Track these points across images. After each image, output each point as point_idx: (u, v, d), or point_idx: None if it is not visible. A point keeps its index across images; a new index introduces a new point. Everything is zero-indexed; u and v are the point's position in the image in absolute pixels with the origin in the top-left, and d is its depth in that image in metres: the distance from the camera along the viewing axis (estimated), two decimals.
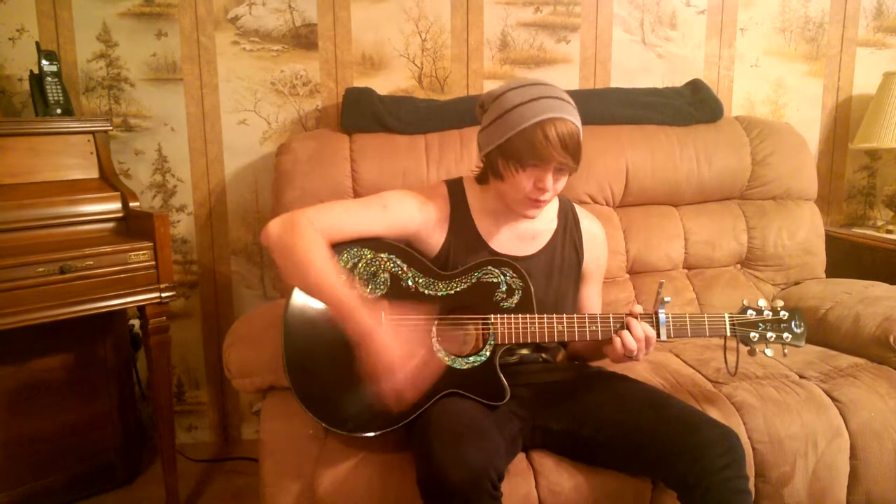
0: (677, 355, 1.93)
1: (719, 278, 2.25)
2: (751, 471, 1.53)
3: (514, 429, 1.44)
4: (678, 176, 2.27)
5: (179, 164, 2.39)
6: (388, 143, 2.18)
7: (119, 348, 2.18)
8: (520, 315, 1.44)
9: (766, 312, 1.48)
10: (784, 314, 1.48)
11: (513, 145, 1.38)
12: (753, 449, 1.56)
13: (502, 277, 1.47)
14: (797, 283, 2.28)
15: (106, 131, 2.09)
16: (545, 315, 1.44)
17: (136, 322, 2.24)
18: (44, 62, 2.02)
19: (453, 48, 2.44)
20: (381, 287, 1.45)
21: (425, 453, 1.23)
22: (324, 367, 1.40)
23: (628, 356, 1.40)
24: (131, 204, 1.99)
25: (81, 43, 2.29)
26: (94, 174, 2.03)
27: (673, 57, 2.55)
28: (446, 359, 1.43)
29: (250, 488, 2.18)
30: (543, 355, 1.59)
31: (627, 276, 2.23)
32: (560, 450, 1.47)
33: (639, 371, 1.74)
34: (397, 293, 1.45)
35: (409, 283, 1.46)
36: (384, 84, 2.41)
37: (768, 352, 1.46)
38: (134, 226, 1.97)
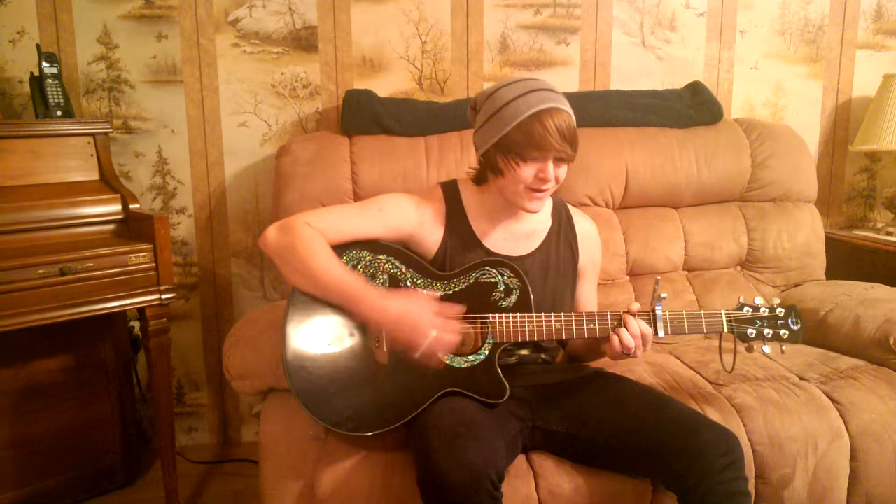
0: (677, 357, 1.93)
1: (719, 280, 2.24)
2: (751, 473, 1.53)
3: (514, 429, 1.44)
4: (678, 178, 2.27)
5: (179, 166, 2.39)
6: (388, 145, 2.18)
7: (119, 350, 2.19)
8: (518, 314, 1.45)
9: (762, 309, 1.49)
10: (780, 311, 1.49)
11: (511, 139, 1.38)
12: (753, 451, 1.56)
13: (500, 277, 1.47)
14: (797, 285, 2.28)
15: (106, 133, 2.09)
16: (542, 313, 1.45)
17: (136, 324, 2.25)
18: (44, 64, 2.02)
19: (453, 50, 2.44)
20: (380, 288, 1.45)
21: (425, 453, 1.24)
22: (324, 368, 1.40)
23: (626, 354, 1.40)
24: (131, 206, 1.99)
25: (82, 45, 2.29)
26: (95, 176, 2.03)
27: (672, 59, 2.56)
28: (445, 358, 1.43)
29: (250, 490, 2.17)
30: (543, 356, 1.59)
31: (627, 278, 2.23)
32: (560, 451, 1.47)
33: (639, 372, 1.74)
34: (396, 291, 1.45)
35: (408, 284, 1.47)
36: (384, 86, 2.41)
37: (766, 349, 1.47)
38: (134, 228, 1.98)
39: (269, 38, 2.36)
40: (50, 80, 2.03)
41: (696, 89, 2.44)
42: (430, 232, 1.52)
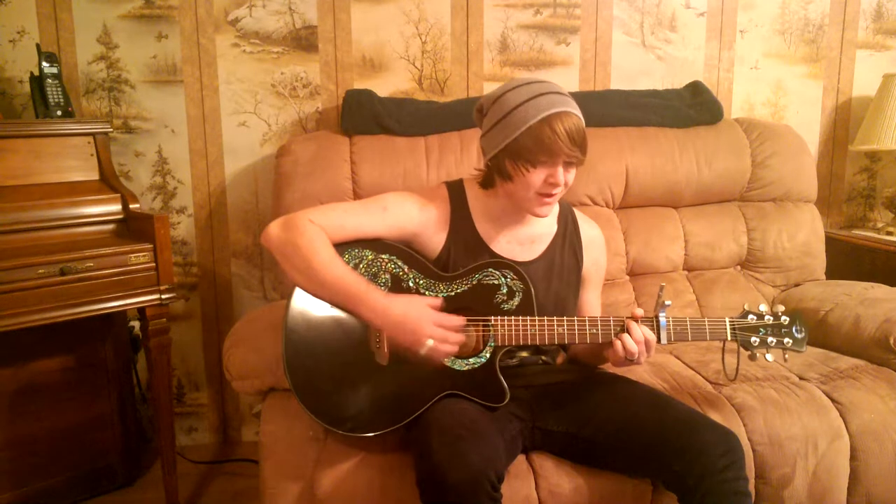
0: (678, 357, 1.93)
1: (719, 280, 2.25)
2: (751, 472, 1.53)
3: (514, 430, 1.44)
4: (678, 178, 2.27)
5: (180, 165, 2.39)
6: (388, 145, 2.18)
7: (119, 350, 2.18)
8: (520, 317, 1.44)
9: (767, 317, 1.47)
10: (785, 319, 1.47)
11: (520, 144, 1.37)
12: (754, 450, 1.56)
13: (503, 279, 1.47)
14: (797, 285, 2.28)
15: (106, 133, 2.09)
16: (545, 317, 1.44)
17: (136, 324, 2.25)
18: (44, 64, 2.02)
19: (453, 50, 2.44)
20: (383, 288, 1.45)
21: (425, 454, 1.23)
22: (324, 368, 1.40)
23: (629, 359, 1.40)
24: (131, 206, 1.99)
25: (82, 45, 2.29)
26: (95, 176, 2.03)
27: (673, 59, 2.55)
28: (446, 360, 1.43)
29: (250, 490, 2.17)
30: (543, 357, 1.58)
31: (627, 277, 2.23)
32: (560, 451, 1.47)
33: (639, 373, 1.74)
34: (398, 294, 1.45)
35: (410, 284, 1.46)
36: (384, 86, 2.41)
37: (769, 357, 1.45)
38: (134, 227, 1.97)
39: (269, 37, 2.36)
40: (50, 80, 2.03)
41: (696, 89, 2.44)
42: (434, 232, 1.51)
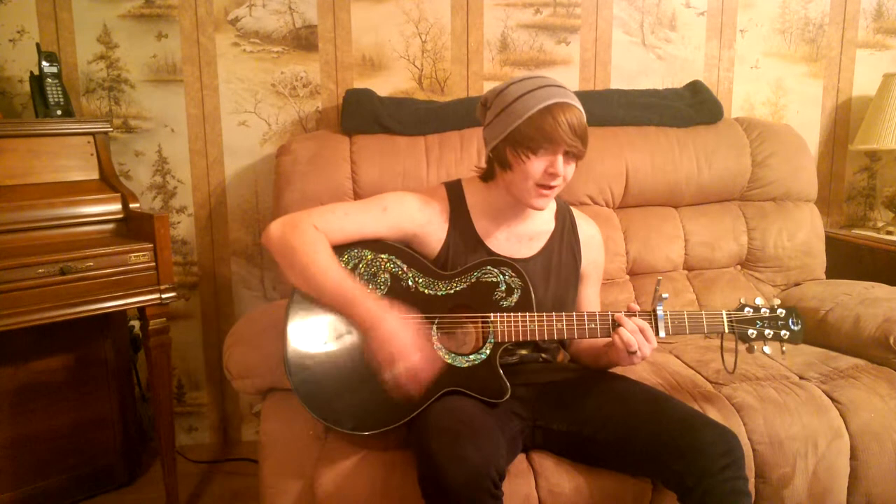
0: (678, 356, 1.93)
1: (719, 279, 2.24)
2: (751, 472, 1.53)
3: (515, 428, 1.44)
4: (678, 177, 2.27)
5: (179, 165, 2.39)
6: (388, 144, 2.18)
7: (119, 349, 2.19)
8: (519, 313, 1.44)
9: (763, 310, 1.49)
10: (781, 312, 1.49)
11: (522, 133, 1.38)
12: (753, 450, 1.56)
13: (501, 277, 1.47)
14: (797, 285, 2.28)
15: (106, 133, 2.09)
16: (544, 313, 1.45)
17: (136, 323, 2.25)
18: (44, 63, 2.02)
19: (453, 50, 2.44)
20: (382, 287, 1.46)
21: (425, 452, 1.23)
22: (325, 367, 1.40)
23: (631, 353, 1.40)
24: (131, 205, 1.99)
25: (82, 44, 2.29)
26: (95, 175, 2.03)
27: (673, 58, 2.55)
28: (446, 357, 1.43)
29: (250, 489, 2.17)
30: (543, 355, 1.59)
31: (627, 277, 2.23)
32: (560, 450, 1.47)
33: (639, 372, 1.74)
34: (398, 293, 1.46)
35: (410, 283, 1.47)
36: (384, 85, 2.41)
37: (767, 349, 1.47)
38: (134, 227, 1.97)
39: (269, 37, 2.36)
40: (50, 80, 2.03)
41: (696, 88, 2.44)
42: (433, 232, 1.52)
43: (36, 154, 1.94)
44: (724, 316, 1.48)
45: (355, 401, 1.39)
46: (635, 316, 1.43)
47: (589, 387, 1.51)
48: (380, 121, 2.21)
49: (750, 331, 1.48)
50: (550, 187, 1.42)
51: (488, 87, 2.45)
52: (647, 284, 2.20)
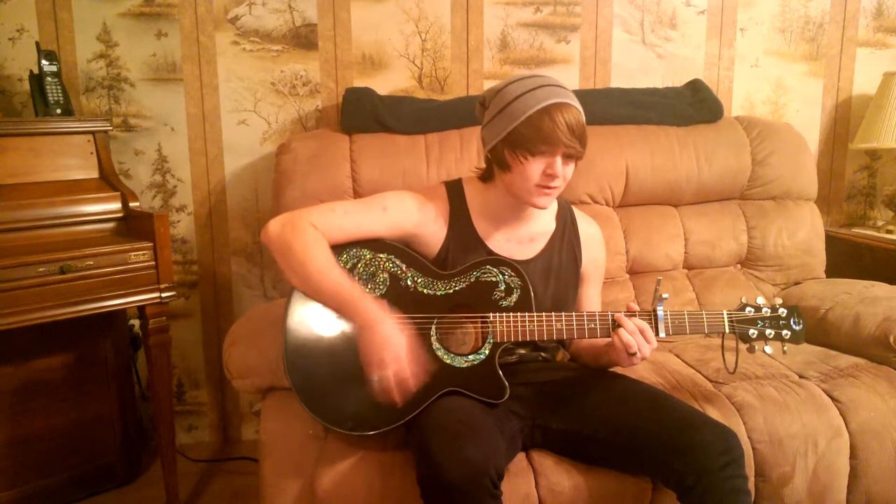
0: (677, 355, 1.93)
1: (719, 278, 2.24)
2: (750, 471, 1.53)
3: (514, 428, 1.44)
4: (678, 176, 2.27)
5: (179, 164, 2.39)
6: (388, 143, 2.18)
7: (119, 348, 2.19)
8: (518, 313, 1.44)
9: (764, 310, 1.48)
10: (782, 311, 1.49)
11: (520, 133, 1.38)
12: (753, 449, 1.56)
13: (501, 276, 1.47)
14: (797, 283, 2.28)
15: (106, 131, 2.09)
16: (544, 313, 1.45)
17: (136, 322, 2.24)
18: (44, 62, 2.02)
19: (453, 48, 2.44)
20: (381, 287, 1.46)
21: (425, 452, 1.23)
22: (324, 367, 1.40)
23: (631, 353, 1.40)
24: (131, 204, 1.99)
25: (81, 43, 2.29)
26: (94, 174, 2.03)
27: (673, 57, 2.55)
28: (445, 357, 1.43)
29: (250, 488, 2.17)
30: (542, 354, 1.59)
31: (627, 276, 2.23)
32: (559, 449, 1.47)
33: (639, 371, 1.73)
34: (396, 293, 1.46)
35: (409, 282, 1.46)
36: (384, 84, 2.41)
37: (767, 349, 1.46)
38: (134, 226, 1.97)
39: (269, 35, 2.36)
40: (49, 78, 2.03)
41: (696, 87, 2.44)
42: (433, 232, 1.51)
43: (36, 153, 1.94)
44: (725, 316, 1.47)
45: (355, 401, 1.39)
46: (635, 316, 1.43)
47: (588, 386, 1.51)
48: (380, 119, 2.21)
49: (751, 331, 1.47)
50: (551, 188, 1.42)
51: (488, 85, 2.44)
52: (647, 283, 2.20)
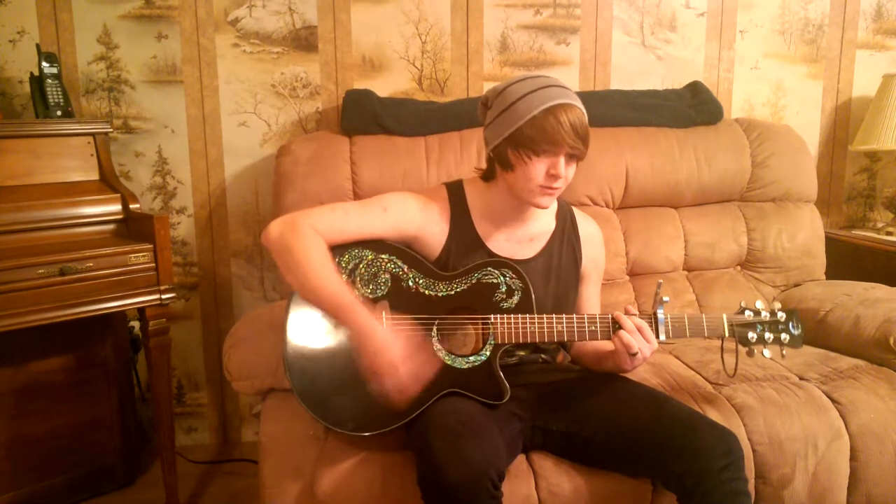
0: (678, 357, 1.93)
1: (719, 280, 2.25)
2: (751, 473, 1.53)
3: (514, 429, 1.44)
4: (678, 178, 2.27)
5: (179, 165, 2.39)
6: (388, 145, 2.18)
7: (119, 350, 2.18)
8: (519, 315, 1.44)
9: (763, 314, 1.49)
10: (782, 315, 1.49)
11: (524, 133, 1.38)
12: (753, 451, 1.56)
13: (502, 278, 1.47)
14: (797, 285, 2.28)
15: (106, 133, 2.09)
16: (544, 315, 1.45)
17: (135, 324, 2.25)
18: (44, 64, 2.02)
19: (453, 50, 2.44)
20: (382, 288, 1.46)
21: (425, 453, 1.23)
22: (324, 368, 1.40)
23: (632, 354, 1.40)
24: (131, 206, 1.99)
25: (82, 45, 2.29)
26: (95, 176, 2.03)
27: (673, 59, 2.56)
28: (446, 358, 1.43)
29: (250, 490, 2.17)
30: (543, 356, 1.58)
31: (627, 277, 2.23)
32: (559, 450, 1.47)
33: (639, 372, 1.73)
34: (398, 294, 1.46)
35: (410, 283, 1.47)
36: (384, 86, 2.41)
37: (766, 353, 1.46)
38: (134, 228, 1.97)
39: (269, 37, 2.36)
40: (50, 80, 2.03)
41: (696, 89, 2.44)
42: (433, 233, 1.52)
43: (36, 155, 1.94)
44: (725, 319, 1.47)
45: (355, 402, 1.39)
46: (629, 317, 1.43)
47: (588, 388, 1.51)
48: (380, 121, 2.21)
49: (750, 334, 1.47)
50: (553, 188, 1.42)
51: (488, 87, 2.44)
52: (647, 285, 2.20)
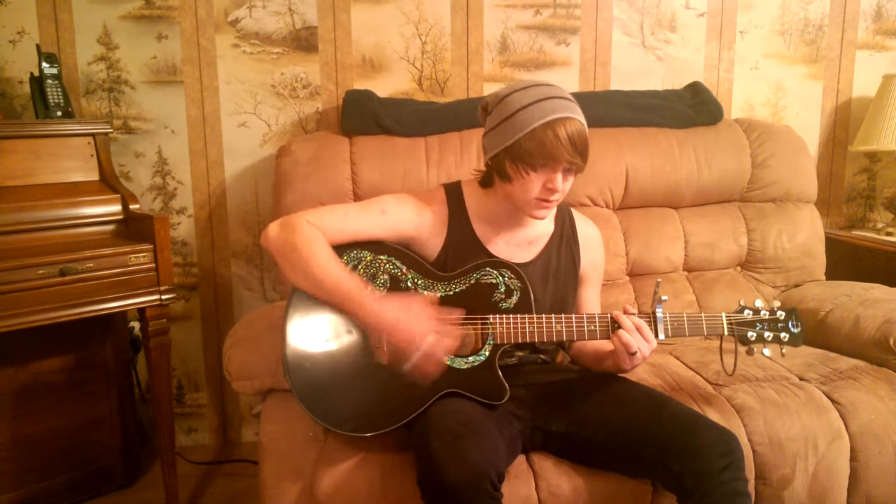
0: (677, 357, 1.93)
1: (719, 280, 2.25)
2: (751, 473, 1.53)
3: (514, 430, 1.44)
4: (678, 178, 2.27)
5: (179, 166, 2.39)
6: (388, 145, 2.18)
7: (119, 351, 2.18)
8: (518, 315, 1.44)
9: (762, 312, 1.49)
10: (781, 314, 1.49)
11: (522, 147, 1.37)
12: (753, 451, 1.56)
13: (501, 279, 1.47)
14: (797, 286, 2.28)
15: (106, 134, 2.09)
16: (544, 315, 1.45)
17: (136, 324, 2.25)
18: (44, 65, 2.02)
19: (453, 51, 2.44)
20: (381, 289, 1.46)
21: (425, 453, 1.23)
22: (324, 368, 1.41)
23: (631, 353, 1.40)
24: (131, 206, 1.99)
25: (82, 45, 2.29)
26: (95, 176, 2.03)
27: (673, 59, 2.56)
28: (446, 359, 1.43)
29: (250, 491, 2.17)
30: (542, 356, 1.59)
31: (627, 278, 2.23)
32: (559, 451, 1.47)
33: (638, 373, 1.73)
34: (395, 295, 1.45)
35: (409, 284, 1.47)
36: (384, 86, 2.41)
37: (766, 351, 1.46)
38: (134, 228, 1.98)
39: (269, 38, 2.36)
40: (50, 81, 2.03)
41: (696, 90, 2.44)
42: (432, 234, 1.52)
43: (36, 155, 1.94)
44: (724, 318, 1.48)
45: (355, 402, 1.39)
46: (633, 315, 1.43)
47: (588, 388, 1.51)
48: (380, 122, 2.21)
49: (749, 333, 1.47)
50: (550, 201, 1.42)
51: (488, 88, 2.46)
52: (646, 285, 2.20)
